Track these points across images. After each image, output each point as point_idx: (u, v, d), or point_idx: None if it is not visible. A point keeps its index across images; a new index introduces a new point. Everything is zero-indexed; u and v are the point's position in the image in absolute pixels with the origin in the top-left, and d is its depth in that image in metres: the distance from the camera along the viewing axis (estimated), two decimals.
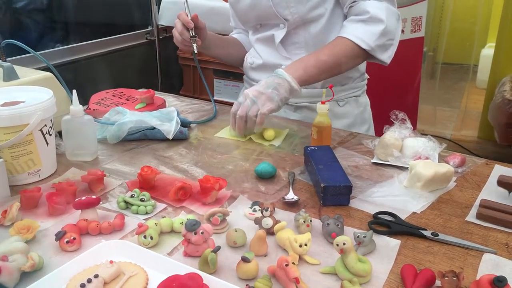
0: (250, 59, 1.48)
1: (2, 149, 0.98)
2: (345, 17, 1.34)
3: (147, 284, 0.72)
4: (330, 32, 1.34)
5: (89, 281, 0.68)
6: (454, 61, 4.24)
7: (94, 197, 0.89)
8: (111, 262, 0.73)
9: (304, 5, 1.29)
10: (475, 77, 4.27)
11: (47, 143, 1.05)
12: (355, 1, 1.29)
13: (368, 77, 1.52)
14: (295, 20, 1.32)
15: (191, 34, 1.34)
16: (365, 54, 1.29)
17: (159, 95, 1.55)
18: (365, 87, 1.51)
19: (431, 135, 1.16)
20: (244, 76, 1.56)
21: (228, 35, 1.61)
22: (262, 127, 1.22)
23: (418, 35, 2.92)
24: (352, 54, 1.28)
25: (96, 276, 0.69)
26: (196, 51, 1.38)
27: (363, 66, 1.46)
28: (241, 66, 1.57)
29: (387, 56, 1.30)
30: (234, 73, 2.76)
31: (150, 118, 1.25)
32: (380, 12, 1.25)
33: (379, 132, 1.24)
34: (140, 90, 1.52)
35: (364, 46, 1.26)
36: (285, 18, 1.33)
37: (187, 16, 1.35)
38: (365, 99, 1.50)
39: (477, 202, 0.96)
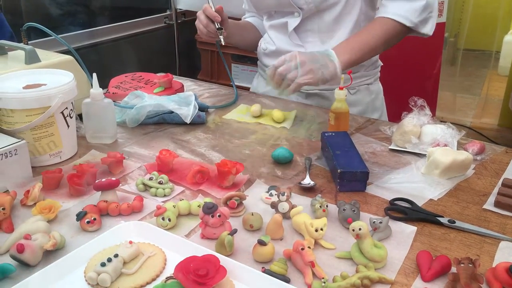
0: (264, 45, 1.48)
1: (25, 131, 1.00)
2: (363, 3, 1.33)
3: (165, 264, 0.74)
4: (344, 19, 1.33)
5: (109, 260, 0.70)
6: (476, 47, 4.15)
7: (113, 179, 0.90)
8: (130, 242, 0.75)
9: None
10: (497, 64, 4.18)
11: (68, 126, 1.06)
12: None
13: (382, 64, 1.50)
14: (310, 9, 1.31)
15: (217, 26, 1.34)
16: (407, 30, 1.29)
17: (177, 79, 1.56)
18: (378, 74, 1.49)
19: (451, 123, 1.15)
20: (258, 62, 1.56)
21: (240, 19, 1.61)
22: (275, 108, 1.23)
23: (440, 20, 2.86)
24: (395, 33, 1.28)
25: (116, 255, 0.71)
26: (223, 43, 1.37)
27: None
28: (256, 50, 1.56)
29: (429, 29, 1.30)
30: (252, 58, 2.75)
31: (168, 102, 1.26)
32: None
33: (397, 119, 1.23)
34: (158, 74, 1.53)
35: (407, 23, 1.26)
36: (300, 7, 1.32)
37: (211, 8, 1.34)
38: (377, 87, 1.48)
39: (496, 190, 0.96)
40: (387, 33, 1.27)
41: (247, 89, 1.62)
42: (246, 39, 1.55)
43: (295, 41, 1.38)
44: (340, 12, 1.32)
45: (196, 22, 1.38)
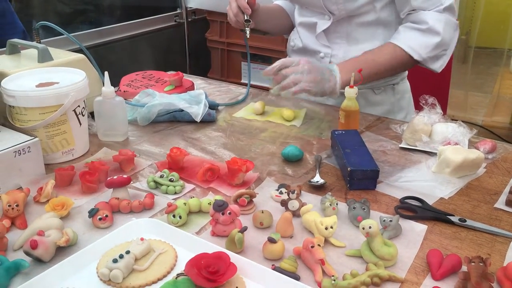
0: (292, 41, 1.47)
1: (38, 128, 1.01)
2: (399, 19, 1.32)
3: (176, 261, 0.74)
4: (375, 26, 1.32)
5: (121, 256, 0.71)
6: (488, 45, 4.11)
7: (125, 176, 0.91)
8: (141, 239, 0.75)
9: (353, 3, 1.27)
10: (509, 62, 4.13)
11: (80, 123, 1.08)
12: (414, 10, 1.26)
13: None
14: (341, 14, 1.30)
15: (245, 18, 1.33)
16: (415, 62, 1.28)
17: (187, 77, 1.56)
18: (406, 73, 1.47)
19: (462, 121, 1.14)
20: (287, 57, 1.55)
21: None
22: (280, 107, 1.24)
23: None
24: (402, 63, 1.27)
25: (127, 252, 0.72)
26: (248, 36, 1.36)
27: None
28: (287, 34, 1.55)
29: (438, 66, 1.28)
30: (262, 56, 2.75)
31: (179, 101, 1.27)
32: (439, 24, 1.22)
33: None
34: (169, 73, 1.54)
35: (416, 56, 1.24)
36: (331, 12, 1.31)
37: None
38: (403, 86, 1.45)
39: (507, 189, 0.95)
40: (395, 61, 1.26)
41: (258, 87, 1.62)
42: (277, 25, 1.53)
43: (323, 42, 1.37)
44: (371, 19, 1.31)
45: (227, 8, 1.37)
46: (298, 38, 1.44)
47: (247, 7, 1.32)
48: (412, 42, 1.24)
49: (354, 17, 1.31)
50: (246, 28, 1.34)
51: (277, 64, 1.20)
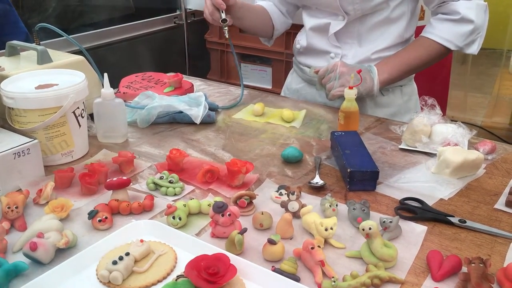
0: (298, 43, 1.47)
1: (37, 130, 1.01)
2: (408, 13, 1.32)
3: (176, 262, 0.74)
4: (386, 25, 1.32)
5: (121, 258, 0.71)
6: (487, 46, 4.09)
7: (124, 178, 0.91)
8: (141, 241, 0.75)
9: (369, 2, 1.27)
10: (508, 63, 4.13)
11: (80, 125, 1.08)
12: (445, 1, 1.26)
13: None
14: (356, 14, 1.30)
15: (221, 17, 1.27)
16: (451, 51, 1.29)
17: (187, 79, 1.56)
18: (413, 75, 1.46)
19: (461, 122, 1.14)
20: (293, 58, 1.55)
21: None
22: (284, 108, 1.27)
23: None
24: (438, 55, 1.29)
25: (127, 254, 0.72)
26: (227, 36, 1.30)
27: None
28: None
29: (475, 49, 1.29)
30: (261, 57, 2.75)
31: (179, 103, 1.27)
32: (471, 12, 1.23)
33: None
34: (168, 74, 1.54)
35: (452, 47, 1.26)
36: (346, 12, 1.30)
37: None
38: (411, 88, 1.45)
39: (507, 189, 0.95)
40: (430, 55, 1.28)
41: (257, 88, 1.62)
42: (255, 25, 1.48)
43: (333, 42, 1.37)
44: (383, 18, 1.31)
45: (204, 7, 1.31)
46: (304, 39, 1.44)
47: (221, 2, 1.24)
48: (446, 34, 1.26)
49: (367, 16, 1.31)
50: (224, 29, 1.28)
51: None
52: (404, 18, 1.33)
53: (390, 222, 0.80)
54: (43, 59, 1.19)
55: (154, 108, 1.25)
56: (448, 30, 1.25)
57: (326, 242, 0.79)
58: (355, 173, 0.94)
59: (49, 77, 1.09)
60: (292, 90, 1.54)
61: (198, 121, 1.24)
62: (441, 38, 1.26)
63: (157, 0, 2.93)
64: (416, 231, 0.83)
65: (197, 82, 1.62)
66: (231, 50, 1.48)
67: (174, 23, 2.93)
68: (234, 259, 0.70)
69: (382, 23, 1.32)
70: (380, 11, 1.30)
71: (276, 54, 2.63)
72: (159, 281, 0.71)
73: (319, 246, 0.73)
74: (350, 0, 1.27)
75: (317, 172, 1.02)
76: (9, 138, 0.97)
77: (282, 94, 1.60)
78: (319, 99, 1.44)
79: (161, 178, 0.97)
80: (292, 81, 1.56)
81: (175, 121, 1.29)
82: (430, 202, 0.91)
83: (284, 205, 0.87)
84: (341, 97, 1.19)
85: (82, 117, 1.08)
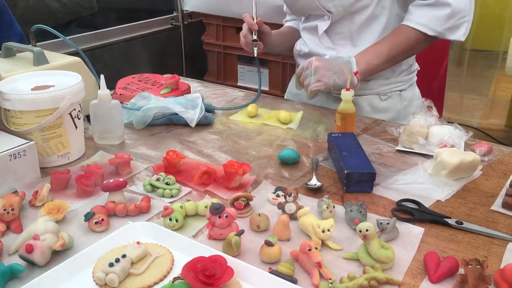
0: (299, 46, 1.48)
1: (33, 132, 1.01)
2: (395, 5, 1.32)
3: (172, 264, 0.74)
4: (374, 22, 1.32)
5: (117, 260, 0.70)
6: (483, 48, 4.12)
7: (121, 180, 0.91)
8: (138, 243, 0.75)
9: None
10: (504, 65, 4.14)
11: (76, 127, 1.07)
12: None
13: (418, 68, 1.46)
14: (339, 12, 1.30)
15: (253, 38, 1.38)
16: (432, 38, 1.27)
17: (184, 80, 1.56)
18: (414, 79, 1.45)
19: (458, 123, 1.15)
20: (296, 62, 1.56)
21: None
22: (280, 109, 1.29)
23: None
24: (417, 43, 1.27)
25: (124, 256, 0.72)
26: (256, 55, 1.42)
27: (411, 57, 1.40)
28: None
29: (460, 35, 1.25)
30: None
31: (175, 105, 1.27)
32: None
33: None
34: (165, 76, 1.54)
35: (430, 33, 1.24)
36: (328, 11, 1.31)
37: (253, 19, 1.38)
38: (411, 93, 1.43)
39: (503, 191, 0.95)
40: (408, 43, 1.26)
41: (255, 90, 1.62)
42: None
43: (327, 44, 1.37)
44: (370, 14, 1.31)
45: (241, 32, 1.43)
46: (303, 43, 1.45)
47: (252, 23, 1.37)
48: (422, 19, 1.24)
49: (355, 15, 1.31)
50: (254, 48, 1.40)
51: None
52: (387, 7, 1.31)
53: (387, 223, 0.80)
54: (39, 60, 1.18)
55: (150, 110, 1.24)
56: (424, 15, 1.23)
57: (323, 243, 0.79)
58: (352, 175, 0.94)
59: (46, 79, 1.09)
60: (293, 94, 1.54)
61: (193, 124, 1.24)
62: (417, 24, 1.24)
63: (154, 1, 2.93)
64: (413, 232, 0.83)
65: (194, 84, 1.62)
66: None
67: (171, 24, 2.93)
68: (231, 261, 0.70)
69: (370, 20, 1.32)
70: (366, 8, 1.30)
71: (273, 56, 2.63)
72: (155, 283, 0.70)
73: (316, 248, 0.73)
74: None
75: (314, 173, 1.02)
76: (5, 139, 0.97)
77: (285, 97, 1.61)
78: (320, 103, 1.43)
79: (157, 179, 0.97)
80: (293, 85, 1.57)
81: (172, 122, 1.28)
82: (427, 204, 0.91)
83: (281, 206, 0.87)
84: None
85: (79, 119, 1.08)
